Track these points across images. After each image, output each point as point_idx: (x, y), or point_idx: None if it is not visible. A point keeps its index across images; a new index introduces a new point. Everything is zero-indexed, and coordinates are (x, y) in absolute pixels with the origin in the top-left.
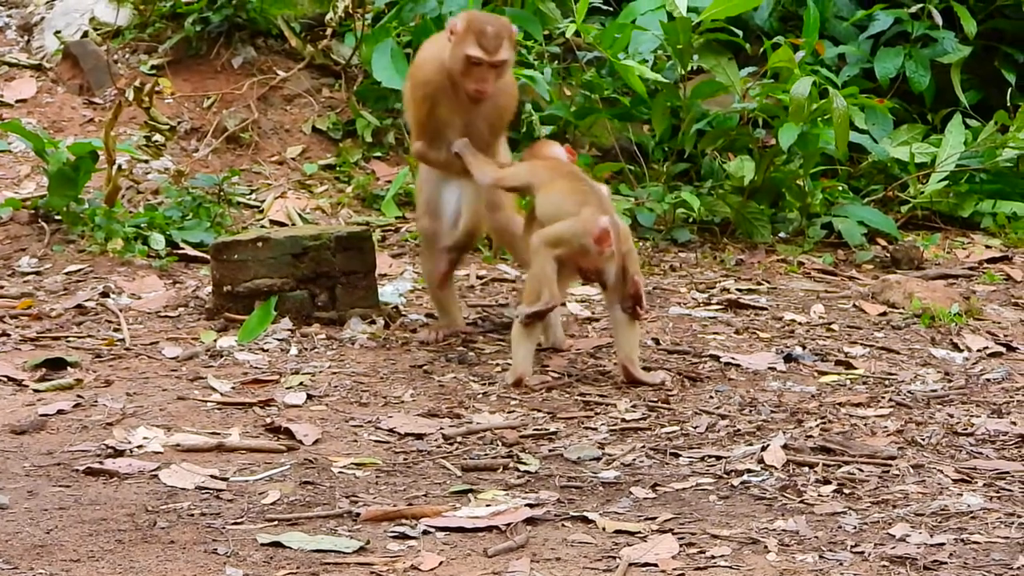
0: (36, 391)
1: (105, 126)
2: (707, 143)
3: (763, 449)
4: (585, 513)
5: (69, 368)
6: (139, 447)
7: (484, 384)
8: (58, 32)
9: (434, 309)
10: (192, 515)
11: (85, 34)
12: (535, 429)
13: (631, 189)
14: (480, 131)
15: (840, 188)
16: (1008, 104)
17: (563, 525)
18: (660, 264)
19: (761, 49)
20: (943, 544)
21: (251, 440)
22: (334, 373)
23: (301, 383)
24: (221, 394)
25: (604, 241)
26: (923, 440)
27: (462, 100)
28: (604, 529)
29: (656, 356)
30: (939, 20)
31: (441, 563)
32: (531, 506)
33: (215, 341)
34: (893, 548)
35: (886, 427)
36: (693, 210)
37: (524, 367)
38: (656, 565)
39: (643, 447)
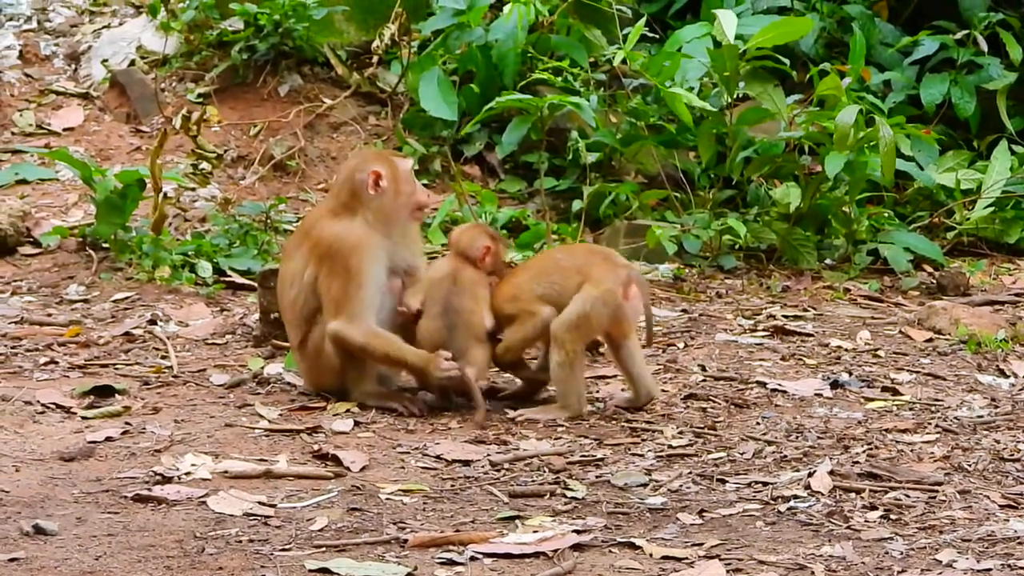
0: (84, 418)
1: (152, 154)
2: (753, 170)
3: (810, 475)
4: (632, 539)
5: (117, 395)
6: (187, 474)
7: None
8: (105, 61)
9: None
10: (240, 541)
11: (132, 63)
12: (582, 456)
13: (677, 216)
14: (410, 262)
15: (886, 215)
16: None
17: (610, 551)
18: (706, 291)
19: (807, 76)
20: (990, 570)
21: (299, 467)
22: None
23: (348, 410)
24: (269, 421)
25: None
26: (970, 466)
27: (394, 242)
28: (651, 555)
29: (703, 383)
30: (984, 46)
31: None
32: (578, 532)
33: (262, 368)
34: (940, 574)
35: (933, 453)
36: (739, 237)
37: (579, 407)
38: None
39: (690, 473)
